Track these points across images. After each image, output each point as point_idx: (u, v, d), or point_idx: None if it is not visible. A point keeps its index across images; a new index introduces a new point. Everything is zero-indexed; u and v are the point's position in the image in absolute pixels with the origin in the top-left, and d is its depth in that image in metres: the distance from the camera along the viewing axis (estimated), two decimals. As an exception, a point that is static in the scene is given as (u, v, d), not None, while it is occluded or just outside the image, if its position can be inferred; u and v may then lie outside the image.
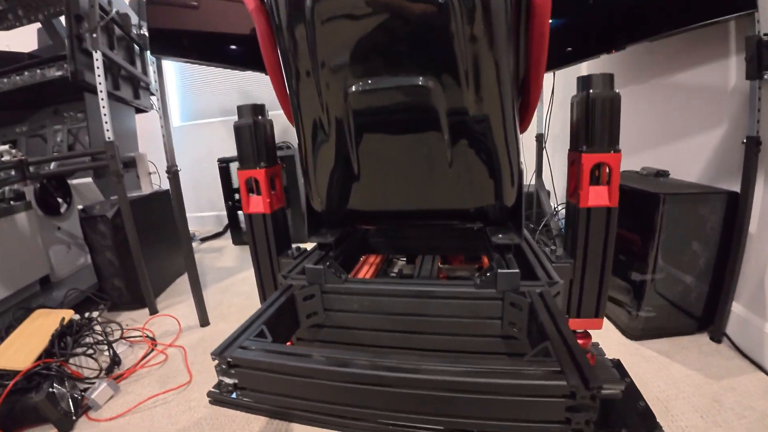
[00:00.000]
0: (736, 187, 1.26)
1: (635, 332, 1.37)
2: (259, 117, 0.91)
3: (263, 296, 1.07)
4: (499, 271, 0.71)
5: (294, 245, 1.03)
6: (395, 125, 0.73)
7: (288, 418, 0.86)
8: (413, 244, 1.11)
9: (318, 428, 0.97)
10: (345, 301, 0.79)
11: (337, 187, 0.81)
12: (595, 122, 0.80)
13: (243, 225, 3.03)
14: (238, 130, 0.90)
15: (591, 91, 0.80)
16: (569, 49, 1.40)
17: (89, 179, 2.07)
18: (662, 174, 1.54)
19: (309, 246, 1.03)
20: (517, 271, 0.71)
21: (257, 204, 0.95)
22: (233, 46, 1.29)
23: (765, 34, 1.14)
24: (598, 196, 0.84)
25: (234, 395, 0.66)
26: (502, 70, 0.64)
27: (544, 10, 0.64)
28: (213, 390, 1.08)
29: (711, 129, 1.42)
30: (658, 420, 0.92)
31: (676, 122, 1.60)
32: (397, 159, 0.75)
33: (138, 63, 2.17)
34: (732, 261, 1.27)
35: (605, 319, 1.51)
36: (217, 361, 0.61)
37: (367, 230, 1.11)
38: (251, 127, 0.90)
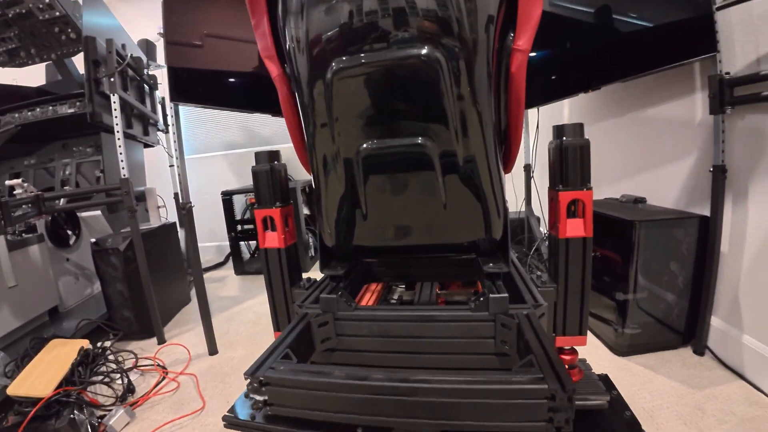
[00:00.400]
0: (707, 212, 1.38)
1: (622, 348, 1.46)
2: (275, 162, 1.02)
3: (276, 324, 1.15)
4: (491, 296, 0.81)
5: (304, 276, 1.13)
6: (397, 172, 0.85)
7: None
8: (413, 272, 1.21)
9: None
10: (355, 327, 0.88)
11: (346, 224, 0.92)
12: (569, 165, 0.92)
13: (245, 255, 3.12)
14: (256, 174, 1.02)
15: (564, 138, 0.93)
16: (551, 88, 1.56)
17: (98, 212, 2.16)
18: (640, 201, 1.67)
19: (311, 275, 1.13)
20: (506, 295, 0.82)
21: (272, 239, 1.05)
22: (248, 93, 1.43)
23: (726, 74, 1.28)
24: (574, 228, 0.95)
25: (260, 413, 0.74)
26: (485, 122, 0.77)
27: (519, 78, 0.77)
28: (228, 414, 1.16)
29: (682, 158, 1.55)
30: (644, 428, 1.00)
31: (651, 153, 1.74)
32: (399, 199, 0.86)
33: (147, 101, 2.30)
34: (707, 278, 1.38)
35: (595, 337, 1.60)
36: (249, 380, 0.70)
37: (368, 265, 1.21)
38: (268, 172, 1.01)
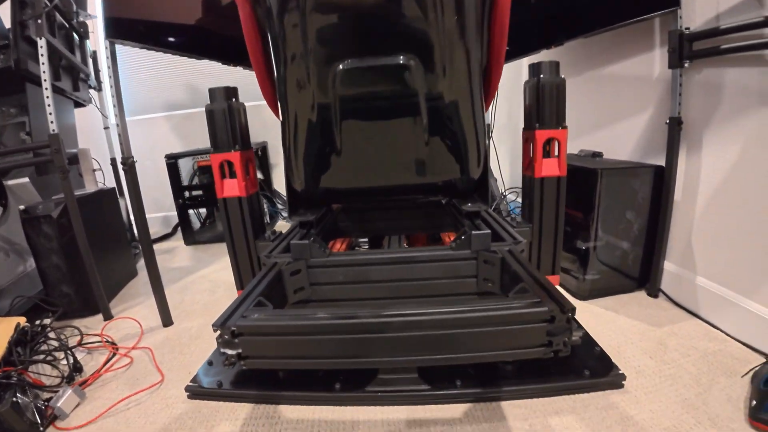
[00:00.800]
0: (662, 162, 1.43)
1: (584, 293, 1.52)
2: (233, 100, 0.91)
3: (240, 282, 1.07)
4: (473, 233, 0.78)
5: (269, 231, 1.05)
6: (377, 107, 0.78)
7: (277, 401, 0.87)
8: (381, 225, 1.17)
9: (307, 407, 1.00)
10: (330, 274, 0.82)
11: (317, 164, 0.84)
12: (545, 103, 0.90)
13: (195, 224, 2.92)
14: (211, 113, 0.90)
15: (541, 76, 0.90)
16: (513, 45, 1.52)
17: (26, 179, 1.91)
18: (597, 155, 1.71)
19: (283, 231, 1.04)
20: (489, 231, 0.79)
21: (232, 188, 0.95)
22: (197, 34, 1.27)
23: (686, 29, 1.31)
24: (549, 167, 0.94)
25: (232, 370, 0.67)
26: (471, 54, 0.72)
27: (505, 5, 0.72)
28: (191, 384, 1.07)
29: (638, 114, 1.60)
30: (613, 361, 1.05)
31: (608, 110, 1.78)
32: (377, 138, 0.80)
33: (77, 53, 2.03)
34: (662, 226, 1.45)
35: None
36: (218, 333, 0.62)
37: (335, 216, 1.14)
38: (225, 111, 0.90)
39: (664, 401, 0.96)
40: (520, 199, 2.53)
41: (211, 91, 0.92)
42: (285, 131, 0.81)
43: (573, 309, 0.56)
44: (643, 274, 1.55)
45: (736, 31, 1.14)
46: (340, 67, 0.70)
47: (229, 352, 0.62)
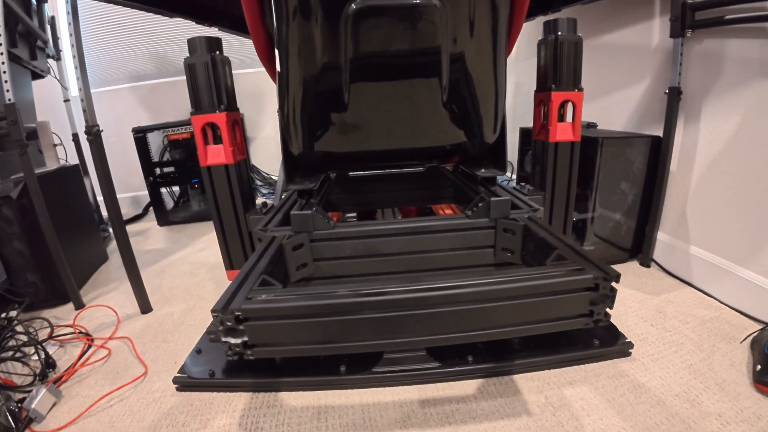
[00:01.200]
0: (658, 132, 1.42)
1: (581, 266, 1.51)
2: (217, 53, 0.80)
3: (229, 261, 0.98)
4: (492, 199, 0.72)
5: (259, 202, 0.96)
6: (393, 62, 0.68)
7: (276, 388, 0.80)
8: (375, 198, 1.10)
9: (310, 393, 0.94)
10: (336, 248, 0.75)
11: (320, 127, 0.75)
12: (562, 63, 0.84)
13: (168, 204, 2.76)
14: (192, 68, 0.79)
15: (559, 33, 0.84)
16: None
17: (-24, 159, 1.72)
18: (592, 125, 1.69)
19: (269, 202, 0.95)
20: (509, 198, 0.73)
21: (217, 154, 0.85)
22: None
23: None
24: (564, 132, 0.89)
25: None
26: (499, 4, 0.64)
27: None
28: (179, 375, 0.98)
29: (634, 84, 1.58)
30: (619, 330, 1.04)
31: (603, 80, 1.75)
32: (388, 96, 0.71)
33: (35, 19, 1.82)
34: (657, 196, 1.44)
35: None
36: (219, 318, 0.53)
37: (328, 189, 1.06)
38: (208, 65, 0.79)
39: (671, 368, 0.97)
40: (508, 173, 2.50)
41: (191, 42, 0.80)
42: (283, 88, 0.71)
43: (618, 276, 0.51)
44: (635, 244, 1.55)
45: (739, 2, 1.12)
46: (353, 6, 0.60)
47: (233, 340, 0.53)
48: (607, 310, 0.53)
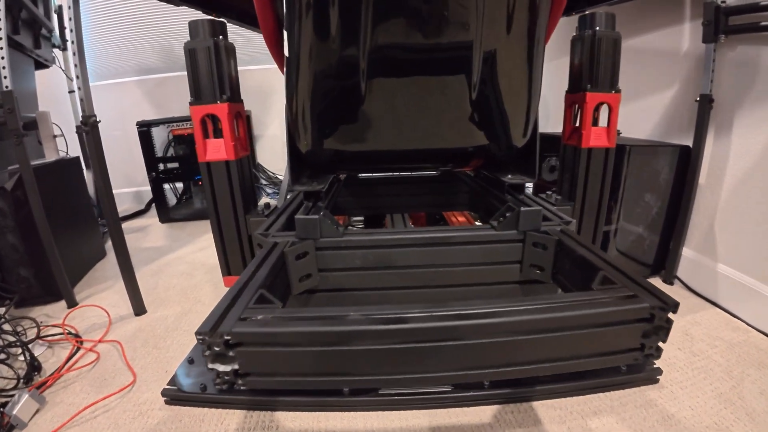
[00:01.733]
0: (686, 142, 1.34)
1: (601, 281, 1.42)
2: (220, 38, 0.73)
3: (227, 267, 0.91)
4: (522, 209, 0.64)
5: (261, 203, 0.88)
6: (418, 55, 0.60)
7: (273, 407, 0.73)
8: (385, 202, 1.02)
9: (310, 414, 0.86)
10: (345, 258, 0.67)
11: (332, 124, 0.68)
12: (600, 61, 0.76)
13: (171, 200, 2.70)
14: (192, 53, 0.72)
15: (597, 29, 0.76)
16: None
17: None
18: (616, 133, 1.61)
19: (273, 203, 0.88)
20: (540, 208, 0.65)
21: (217, 149, 0.77)
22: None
23: (722, 1, 1.20)
24: (598, 137, 0.81)
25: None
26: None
27: None
28: (168, 387, 0.90)
29: (662, 91, 1.50)
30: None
31: (628, 85, 1.66)
32: (410, 91, 0.63)
33: (40, 6, 1.77)
34: (684, 210, 1.36)
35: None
36: (205, 342, 0.45)
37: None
38: (210, 50, 0.71)
39: (701, 396, 0.91)
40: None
41: (193, 24, 0.73)
42: (292, 78, 0.63)
43: (676, 305, 0.43)
44: (658, 260, 1.47)
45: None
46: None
47: (222, 368, 0.45)
48: (660, 343, 0.45)
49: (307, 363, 0.43)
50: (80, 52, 1.19)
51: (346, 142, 0.72)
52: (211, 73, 0.73)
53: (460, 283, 0.69)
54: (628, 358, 0.45)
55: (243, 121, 0.81)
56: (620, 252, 1.41)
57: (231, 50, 0.77)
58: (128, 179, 2.96)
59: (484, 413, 0.83)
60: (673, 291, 1.37)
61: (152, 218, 2.64)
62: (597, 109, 0.80)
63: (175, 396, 0.85)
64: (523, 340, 0.41)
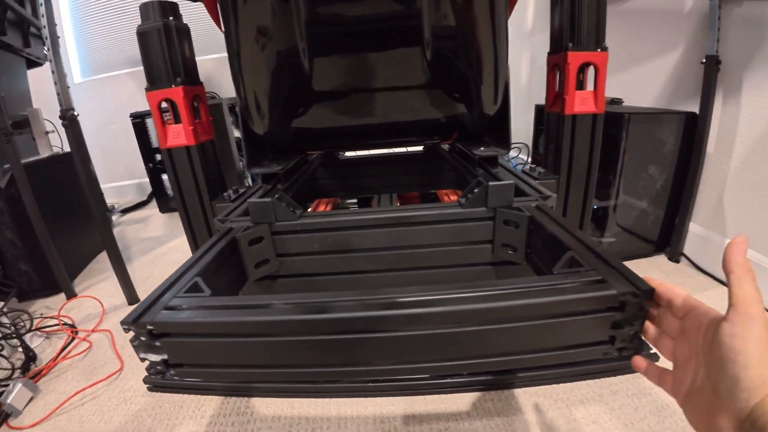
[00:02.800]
0: (693, 109, 1.24)
1: (601, 259, 1.36)
2: (171, 18, 0.68)
3: (199, 254, 0.88)
4: (490, 183, 0.59)
5: (231, 189, 0.85)
6: (359, 20, 0.55)
7: (249, 393, 0.71)
8: (368, 183, 0.97)
9: (284, 400, 0.84)
10: (302, 242, 0.63)
11: (286, 101, 0.63)
12: (583, 16, 0.69)
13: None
14: (144, 36, 0.68)
15: (577, -19, 0.68)
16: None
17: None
18: (616, 101, 1.52)
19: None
20: (512, 182, 0.60)
21: (177, 135, 0.74)
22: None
23: None
24: (583, 102, 0.74)
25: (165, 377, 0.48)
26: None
27: None
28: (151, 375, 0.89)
29: (664, 54, 1.39)
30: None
31: (629, 51, 1.56)
32: (359, 61, 0.58)
33: (28, 6, 1.75)
34: (690, 181, 1.27)
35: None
36: (132, 332, 0.43)
37: (315, 172, 0.94)
38: (160, 32, 0.67)
39: None
40: (522, 156, 2.34)
41: (143, 7, 0.69)
42: (234, 63, 0.59)
43: (651, 291, 0.38)
44: (662, 236, 1.39)
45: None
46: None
47: (153, 357, 0.43)
48: (636, 333, 0.40)
49: (231, 354, 0.40)
50: (54, 47, 1.16)
51: (303, 122, 0.67)
52: (163, 56, 0.69)
53: (429, 266, 0.65)
54: (595, 353, 0.40)
55: (204, 103, 0.77)
56: (623, 228, 1.34)
57: (184, 31, 0.73)
58: (130, 171, 2.98)
59: (462, 400, 0.79)
60: (678, 269, 1.29)
61: (153, 209, 2.66)
62: (582, 71, 0.73)
63: (156, 383, 0.85)
64: (462, 332, 0.37)
